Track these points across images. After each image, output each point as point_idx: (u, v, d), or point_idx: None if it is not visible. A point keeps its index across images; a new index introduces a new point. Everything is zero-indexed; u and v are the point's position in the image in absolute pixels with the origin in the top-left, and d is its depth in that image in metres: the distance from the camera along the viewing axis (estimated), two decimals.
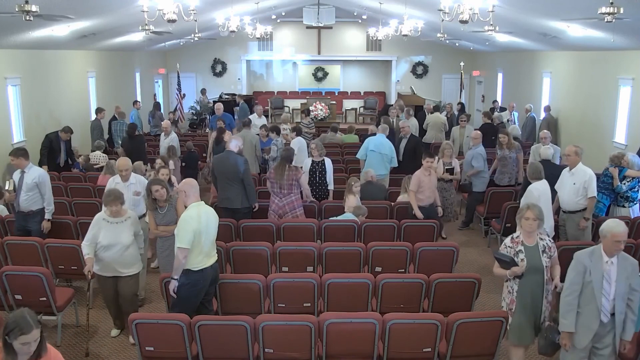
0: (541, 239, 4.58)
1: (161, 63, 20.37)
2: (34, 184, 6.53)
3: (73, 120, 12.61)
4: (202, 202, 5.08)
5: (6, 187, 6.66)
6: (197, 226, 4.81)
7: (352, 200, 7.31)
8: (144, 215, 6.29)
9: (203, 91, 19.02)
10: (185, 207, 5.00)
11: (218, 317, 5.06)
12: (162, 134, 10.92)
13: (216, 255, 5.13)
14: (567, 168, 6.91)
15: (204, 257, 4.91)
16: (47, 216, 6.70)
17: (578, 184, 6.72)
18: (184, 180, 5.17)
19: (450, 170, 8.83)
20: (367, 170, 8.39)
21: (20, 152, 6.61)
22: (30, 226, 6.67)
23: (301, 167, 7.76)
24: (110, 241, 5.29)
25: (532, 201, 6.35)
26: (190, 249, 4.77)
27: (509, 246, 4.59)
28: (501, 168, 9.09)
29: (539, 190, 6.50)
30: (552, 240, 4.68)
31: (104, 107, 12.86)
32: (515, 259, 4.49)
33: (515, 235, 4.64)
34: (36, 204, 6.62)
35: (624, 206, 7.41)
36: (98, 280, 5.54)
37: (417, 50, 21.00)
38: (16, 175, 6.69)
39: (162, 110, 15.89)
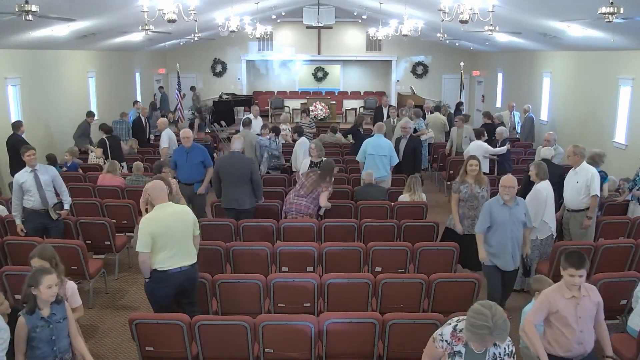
0: (496, 346, 3.09)
1: (161, 63, 20.37)
2: (50, 180, 6.73)
3: (73, 120, 12.60)
4: (170, 202, 4.99)
5: None
6: (154, 229, 4.71)
7: None
8: None
9: (192, 88, 18.71)
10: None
11: (218, 317, 5.05)
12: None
13: (192, 258, 4.94)
14: (573, 167, 6.95)
15: (169, 258, 4.78)
16: (67, 207, 6.93)
17: (581, 182, 6.74)
18: (149, 182, 5.07)
19: None
20: (367, 172, 8.23)
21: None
22: (50, 223, 6.76)
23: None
24: None
25: (540, 202, 6.34)
26: (152, 251, 4.74)
27: (446, 341, 3.18)
28: (467, 212, 6.47)
29: (547, 189, 6.33)
30: (512, 353, 3.12)
31: (104, 107, 12.85)
32: None
33: (459, 328, 3.16)
34: (52, 199, 6.80)
35: None
36: None
37: (417, 50, 21.00)
38: (25, 176, 6.57)
39: (159, 110, 15.88)
